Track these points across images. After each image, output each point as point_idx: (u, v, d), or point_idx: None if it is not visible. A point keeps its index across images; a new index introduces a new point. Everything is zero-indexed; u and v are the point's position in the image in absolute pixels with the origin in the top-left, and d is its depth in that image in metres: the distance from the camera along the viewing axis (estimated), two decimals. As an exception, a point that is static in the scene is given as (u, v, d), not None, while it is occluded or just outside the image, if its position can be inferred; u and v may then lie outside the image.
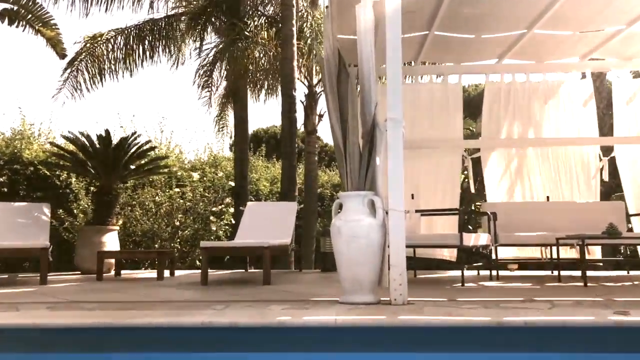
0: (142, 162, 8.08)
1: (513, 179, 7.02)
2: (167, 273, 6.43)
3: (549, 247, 6.23)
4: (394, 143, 3.57)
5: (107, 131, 7.43)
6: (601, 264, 6.83)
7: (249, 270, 7.12)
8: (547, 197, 6.76)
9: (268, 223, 6.60)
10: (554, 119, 7.09)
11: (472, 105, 14.67)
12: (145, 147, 7.79)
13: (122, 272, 6.87)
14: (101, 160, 7.53)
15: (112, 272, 6.87)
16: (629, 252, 6.43)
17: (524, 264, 7.04)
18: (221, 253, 8.07)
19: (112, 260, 6.94)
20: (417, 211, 5.92)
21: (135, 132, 7.91)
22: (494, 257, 6.11)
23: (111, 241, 7.21)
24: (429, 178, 7.00)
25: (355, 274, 3.51)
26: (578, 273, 6.00)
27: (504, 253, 6.84)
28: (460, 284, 5.01)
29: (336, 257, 3.61)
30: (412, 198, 6.53)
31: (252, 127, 18.82)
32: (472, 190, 6.96)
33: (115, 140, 7.54)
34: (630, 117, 6.99)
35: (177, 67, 11.45)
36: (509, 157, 7.08)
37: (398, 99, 3.59)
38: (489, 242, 5.64)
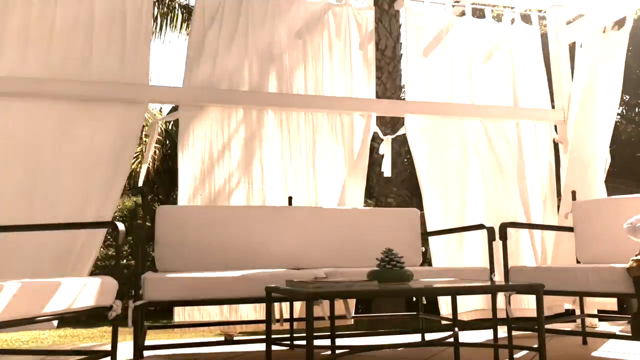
0: None
1: (235, 166, 3.79)
2: None
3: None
4: None
5: None
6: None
7: None
8: (290, 199, 3.63)
9: None
10: (312, 66, 4.06)
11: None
12: None
13: None
14: None
15: None
16: (424, 302, 3.61)
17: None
18: None
19: None
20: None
21: None
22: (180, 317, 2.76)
23: None
24: (64, 158, 3.44)
25: None
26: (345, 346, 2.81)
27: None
28: None
29: None
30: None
31: None
32: (140, 182, 3.55)
33: None
34: (431, 71, 4.26)
35: None
36: (229, 127, 3.84)
37: None
38: (99, 302, 2.21)
